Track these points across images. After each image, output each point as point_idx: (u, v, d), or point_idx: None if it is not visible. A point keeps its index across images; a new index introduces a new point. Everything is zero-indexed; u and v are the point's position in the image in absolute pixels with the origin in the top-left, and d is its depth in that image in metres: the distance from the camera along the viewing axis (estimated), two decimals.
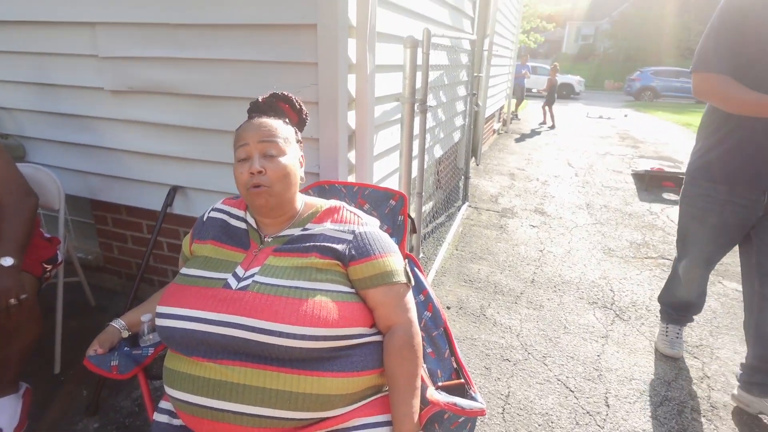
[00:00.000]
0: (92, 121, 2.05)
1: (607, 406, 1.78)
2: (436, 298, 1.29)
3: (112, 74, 1.89)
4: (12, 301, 1.33)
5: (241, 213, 1.12)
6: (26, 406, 1.61)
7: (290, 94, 1.17)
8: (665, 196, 4.59)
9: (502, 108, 7.96)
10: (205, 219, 1.14)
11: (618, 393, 1.85)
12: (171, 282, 1.05)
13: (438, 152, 3.38)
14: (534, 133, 8.34)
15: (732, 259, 3.12)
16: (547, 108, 9.43)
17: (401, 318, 1.00)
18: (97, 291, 2.37)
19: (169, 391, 0.93)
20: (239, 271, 0.97)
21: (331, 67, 1.50)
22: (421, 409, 0.95)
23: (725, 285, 2.79)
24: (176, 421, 0.96)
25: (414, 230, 1.46)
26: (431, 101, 2.79)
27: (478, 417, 1.08)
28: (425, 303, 1.29)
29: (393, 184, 2.25)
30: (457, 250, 3.17)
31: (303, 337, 0.86)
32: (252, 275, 0.95)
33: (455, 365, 1.18)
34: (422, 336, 1.24)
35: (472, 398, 1.03)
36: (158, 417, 0.99)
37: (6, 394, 1.56)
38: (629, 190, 4.75)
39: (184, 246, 1.16)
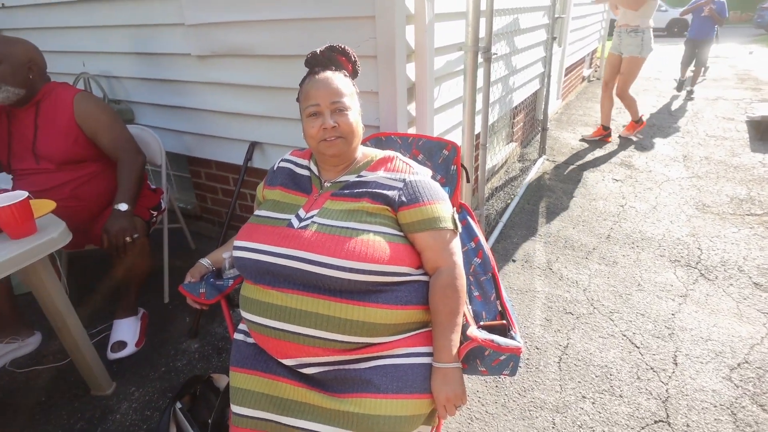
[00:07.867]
0: (183, 85, 2.29)
1: (675, 364, 1.72)
2: (487, 245, 1.33)
3: (197, 40, 2.08)
4: (127, 239, 1.61)
5: (305, 162, 1.25)
6: (144, 326, 1.96)
7: (346, 47, 1.23)
8: None
9: (594, 52, 7.25)
10: (275, 168, 1.28)
11: (690, 352, 1.77)
12: (247, 222, 1.21)
13: (512, 102, 3.24)
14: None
15: None
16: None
17: (447, 261, 1.07)
18: (196, 237, 2.71)
19: (243, 313, 1.11)
20: (301, 213, 1.11)
21: (388, 19, 1.52)
22: (461, 344, 1.03)
23: None
24: (249, 340, 1.14)
25: (468, 179, 1.48)
26: (502, 48, 2.67)
27: (522, 358, 1.13)
28: (476, 250, 1.33)
29: (456, 137, 2.24)
30: (528, 204, 3.09)
31: (351, 270, 0.98)
32: (311, 216, 1.08)
33: (500, 308, 1.23)
34: (471, 280, 1.30)
35: (512, 338, 1.08)
36: (237, 336, 1.18)
37: (129, 316, 1.92)
38: (740, 140, 4.19)
39: (258, 192, 1.32)
